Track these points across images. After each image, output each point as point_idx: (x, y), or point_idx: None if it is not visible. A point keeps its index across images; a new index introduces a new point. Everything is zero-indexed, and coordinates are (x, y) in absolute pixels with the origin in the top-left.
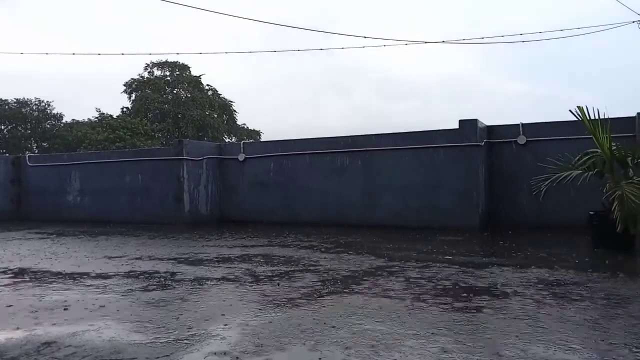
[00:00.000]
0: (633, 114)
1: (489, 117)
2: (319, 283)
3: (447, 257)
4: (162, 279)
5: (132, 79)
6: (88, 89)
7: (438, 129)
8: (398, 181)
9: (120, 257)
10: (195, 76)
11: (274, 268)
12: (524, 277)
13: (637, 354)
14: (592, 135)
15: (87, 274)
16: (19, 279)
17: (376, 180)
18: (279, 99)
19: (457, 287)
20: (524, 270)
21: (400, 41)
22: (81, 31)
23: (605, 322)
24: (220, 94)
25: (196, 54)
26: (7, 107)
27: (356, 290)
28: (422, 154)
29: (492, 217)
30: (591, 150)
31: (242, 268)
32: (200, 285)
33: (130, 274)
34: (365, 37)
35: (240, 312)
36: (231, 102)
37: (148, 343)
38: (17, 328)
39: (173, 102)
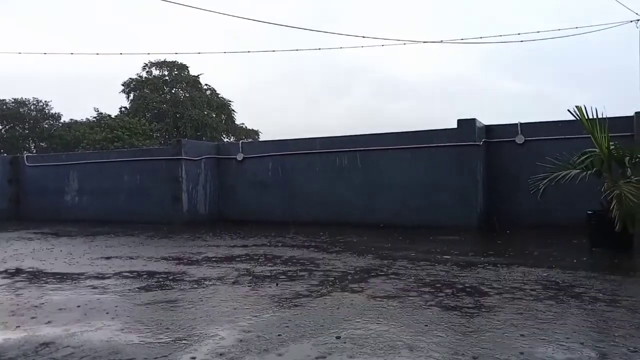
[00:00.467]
0: (631, 113)
1: (487, 117)
2: (318, 283)
3: (446, 256)
4: (161, 279)
5: (130, 78)
6: (86, 88)
7: (437, 128)
8: (397, 180)
9: (119, 257)
10: (194, 76)
11: (273, 268)
12: (522, 276)
13: (636, 353)
14: (591, 135)
15: (85, 274)
16: (17, 280)
17: (375, 179)
18: (278, 98)
19: (456, 286)
20: (522, 270)
21: (398, 41)
22: (80, 31)
23: (604, 321)
24: (218, 94)
25: (195, 54)
26: (5, 106)
27: (356, 290)
28: (421, 154)
29: (491, 216)
30: (589, 149)
31: (240, 268)
32: (198, 285)
33: (129, 274)
34: (364, 37)
35: (239, 312)
36: (229, 101)
37: (146, 343)
38: (15, 328)
39: (171, 102)
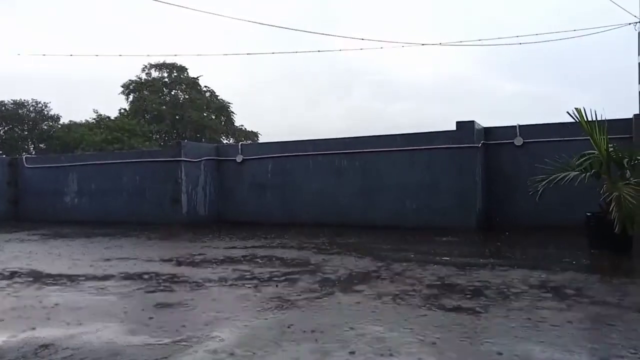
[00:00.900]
0: (630, 115)
1: (486, 118)
2: (318, 284)
3: (445, 258)
4: (161, 281)
5: (129, 80)
6: (86, 90)
7: (436, 130)
8: (396, 182)
9: (118, 258)
10: (193, 78)
11: (272, 269)
12: (521, 278)
13: (636, 355)
14: (589, 137)
15: (84, 275)
16: (16, 281)
17: (374, 181)
18: (277, 100)
19: (455, 288)
20: (521, 272)
21: (398, 43)
22: (79, 32)
23: (603, 323)
24: (217, 96)
25: (194, 56)
26: (4, 108)
27: (355, 291)
28: (420, 155)
29: (489, 218)
30: (588, 151)
31: (240, 269)
32: (198, 286)
33: (129, 275)
34: (363, 39)
35: (239, 313)
36: (229, 103)
37: (146, 345)
38: (15, 330)
39: (171, 104)
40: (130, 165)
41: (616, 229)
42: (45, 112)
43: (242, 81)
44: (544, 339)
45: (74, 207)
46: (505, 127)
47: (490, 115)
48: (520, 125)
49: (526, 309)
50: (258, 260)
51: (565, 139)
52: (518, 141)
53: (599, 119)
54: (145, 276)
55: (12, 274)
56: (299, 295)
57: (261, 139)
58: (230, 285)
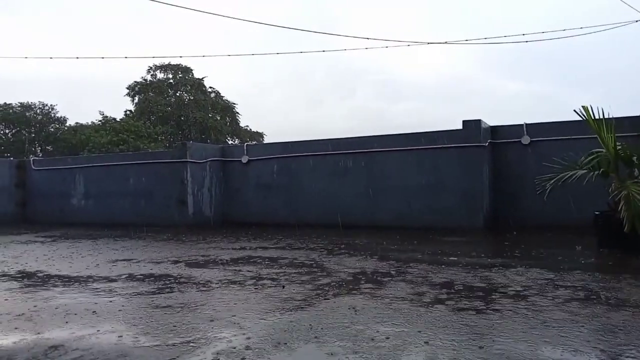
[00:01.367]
0: (638, 113)
1: (489, 118)
2: (325, 285)
3: (453, 258)
4: (168, 282)
5: (135, 82)
6: (91, 92)
7: (441, 129)
8: (401, 182)
9: (126, 259)
10: (198, 79)
11: (279, 270)
12: (530, 278)
13: None
14: (597, 135)
15: (92, 277)
16: (25, 283)
17: (379, 181)
18: (281, 100)
19: (463, 288)
20: (530, 271)
21: (402, 42)
22: (84, 35)
23: (613, 323)
24: (223, 96)
25: (199, 57)
26: (11, 111)
27: (362, 292)
28: (426, 155)
29: (497, 218)
30: (596, 150)
31: (247, 270)
32: (205, 287)
33: (136, 276)
34: (367, 38)
35: (246, 314)
36: (234, 104)
37: (154, 346)
38: (25, 331)
39: (176, 105)
40: (136, 166)
41: (625, 228)
42: (52, 115)
43: (246, 82)
44: (553, 339)
45: (81, 209)
46: (512, 126)
47: (493, 115)
48: (527, 124)
49: (535, 309)
50: (265, 261)
51: (572, 137)
52: (525, 140)
53: (606, 116)
54: (153, 277)
55: (20, 276)
56: (307, 296)
57: (266, 140)
58: (238, 286)
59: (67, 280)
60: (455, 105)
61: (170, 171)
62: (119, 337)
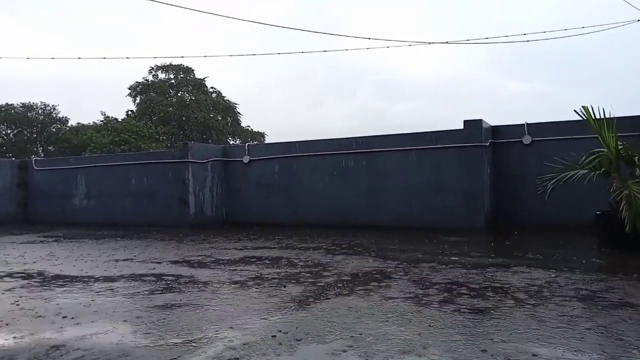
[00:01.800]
0: (639, 112)
1: (490, 117)
2: (326, 285)
3: (453, 258)
4: (169, 282)
5: (136, 82)
6: (93, 92)
7: (443, 129)
8: (402, 182)
9: (127, 259)
10: (200, 79)
11: (280, 270)
12: (531, 278)
13: None
14: (598, 135)
15: (94, 277)
16: (27, 283)
17: (381, 181)
18: (282, 100)
19: (464, 288)
20: (531, 271)
21: (404, 42)
22: (85, 35)
23: (614, 323)
24: (224, 96)
25: (200, 57)
26: (13, 111)
27: (364, 292)
28: (427, 155)
29: (498, 218)
30: (597, 149)
31: (248, 270)
32: (207, 287)
33: (137, 276)
34: (369, 38)
35: (247, 314)
36: (235, 104)
37: (156, 346)
38: (26, 331)
39: (177, 105)
40: (137, 167)
41: (626, 228)
42: (54, 115)
43: (247, 82)
44: (554, 339)
45: (83, 209)
46: (513, 126)
47: (494, 115)
48: (528, 124)
49: (536, 309)
50: (266, 261)
51: (573, 137)
52: (526, 140)
53: (607, 116)
54: (154, 277)
55: (22, 276)
56: (308, 296)
57: (267, 140)
58: (239, 286)
59: (69, 280)
60: (456, 105)
61: (172, 171)
62: (120, 337)
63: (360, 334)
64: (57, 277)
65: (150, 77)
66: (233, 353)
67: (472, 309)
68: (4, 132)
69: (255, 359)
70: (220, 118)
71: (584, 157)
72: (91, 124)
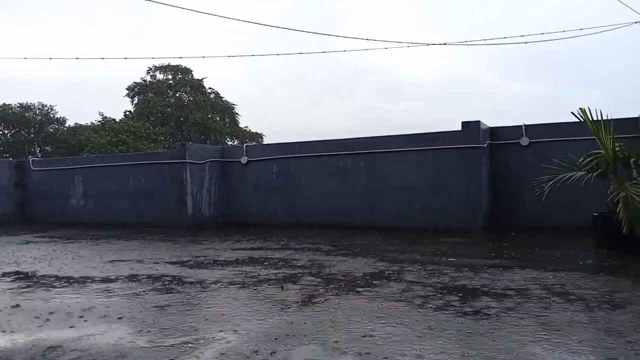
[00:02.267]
0: (636, 114)
1: (491, 118)
2: (324, 286)
3: (451, 259)
4: (167, 282)
5: (134, 82)
6: (91, 92)
7: (441, 130)
8: (401, 183)
9: (124, 260)
10: (198, 79)
11: (278, 271)
12: (528, 279)
13: None
14: (596, 137)
15: (91, 277)
16: (24, 283)
17: (379, 182)
18: (281, 100)
19: (462, 289)
20: (529, 272)
21: (403, 43)
22: (84, 35)
23: (611, 324)
24: (222, 97)
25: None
26: (10, 111)
27: (362, 292)
28: (425, 156)
29: (496, 219)
30: (595, 151)
31: (246, 271)
32: (204, 288)
33: (135, 277)
34: (368, 39)
35: (245, 315)
36: (233, 104)
37: (153, 347)
38: (23, 332)
39: (175, 106)
40: (135, 167)
41: (624, 229)
42: (51, 115)
43: (246, 82)
44: (552, 340)
45: (80, 210)
46: (511, 127)
47: (494, 115)
48: (526, 125)
49: (533, 310)
50: (264, 262)
51: (571, 138)
52: (524, 141)
53: (604, 118)
54: (151, 278)
55: (19, 277)
56: (306, 296)
57: (266, 141)
58: (237, 286)
59: (66, 281)
60: (455, 105)
61: (170, 172)
62: (117, 337)
63: (360, 335)
64: (53, 277)
65: (148, 78)
66: (231, 354)
67: (469, 310)
68: (1, 133)
69: (252, 359)
70: (218, 119)
71: (581, 159)
72: (89, 124)
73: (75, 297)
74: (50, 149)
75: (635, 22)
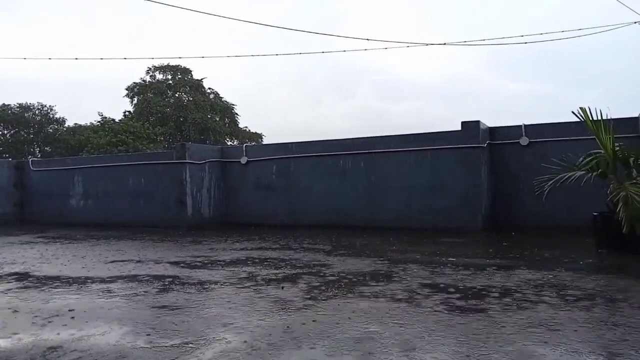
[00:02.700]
0: (636, 114)
1: (490, 118)
2: (324, 286)
3: (451, 259)
4: (167, 283)
5: (134, 82)
6: (90, 93)
7: (441, 130)
8: (401, 183)
9: (124, 261)
10: (197, 79)
11: (277, 271)
12: (528, 278)
13: None
14: (595, 136)
15: (91, 278)
16: (23, 284)
17: (379, 182)
18: (281, 100)
19: (462, 289)
20: (529, 272)
21: (402, 43)
22: (83, 35)
23: (612, 323)
24: (222, 97)
25: (198, 58)
26: (10, 111)
27: (361, 292)
28: (425, 156)
29: (495, 219)
30: (594, 151)
31: (246, 271)
32: (204, 288)
33: (135, 277)
34: (367, 39)
35: (245, 315)
36: (233, 105)
37: (153, 347)
38: (23, 333)
39: (175, 106)
40: (135, 167)
41: (624, 229)
42: (51, 115)
43: (246, 82)
44: (552, 340)
45: (80, 210)
46: (510, 127)
47: (494, 115)
48: (525, 125)
49: (533, 310)
50: (263, 262)
51: (571, 138)
52: (524, 141)
53: (604, 117)
54: (151, 278)
55: (19, 277)
56: (305, 296)
57: (265, 140)
58: (237, 287)
59: (66, 282)
60: (455, 105)
61: (169, 172)
62: (117, 338)
63: (360, 335)
64: (53, 278)
65: (147, 78)
66: (231, 354)
67: (469, 310)
68: (0, 133)
69: (252, 359)
70: (218, 119)
71: (581, 159)
72: (88, 124)
73: (75, 298)
74: (50, 149)
75: (635, 22)
